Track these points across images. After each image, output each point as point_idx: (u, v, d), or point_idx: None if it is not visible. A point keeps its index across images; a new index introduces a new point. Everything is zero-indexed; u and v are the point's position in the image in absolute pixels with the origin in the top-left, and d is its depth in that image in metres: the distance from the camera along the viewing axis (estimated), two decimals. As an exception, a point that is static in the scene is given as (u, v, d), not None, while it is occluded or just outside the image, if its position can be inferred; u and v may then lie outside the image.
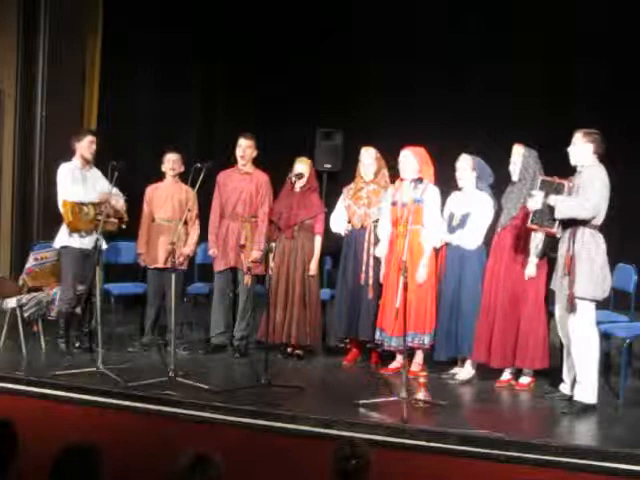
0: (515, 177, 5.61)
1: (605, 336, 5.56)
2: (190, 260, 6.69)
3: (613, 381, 5.63)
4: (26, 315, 6.27)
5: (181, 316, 6.40)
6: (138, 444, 4.68)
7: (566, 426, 4.93)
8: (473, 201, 5.79)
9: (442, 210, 5.92)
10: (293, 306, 6.21)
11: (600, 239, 5.06)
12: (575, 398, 5.14)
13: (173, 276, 5.69)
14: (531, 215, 5.16)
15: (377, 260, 6.06)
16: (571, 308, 5.02)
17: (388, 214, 5.99)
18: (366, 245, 6.12)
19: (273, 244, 6.13)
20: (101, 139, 6.49)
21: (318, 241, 6.30)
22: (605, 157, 5.14)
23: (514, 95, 7.54)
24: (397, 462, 4.32)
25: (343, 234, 6.27)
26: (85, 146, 6.22)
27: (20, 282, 6.53)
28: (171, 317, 5.76)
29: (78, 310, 6.28)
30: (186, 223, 6.41)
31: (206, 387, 5.30)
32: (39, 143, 7.63)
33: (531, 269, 5.44)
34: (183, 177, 6.44)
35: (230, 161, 6.48)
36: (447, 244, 5.83)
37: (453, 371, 5.89)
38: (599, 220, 5.04)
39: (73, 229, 6.09)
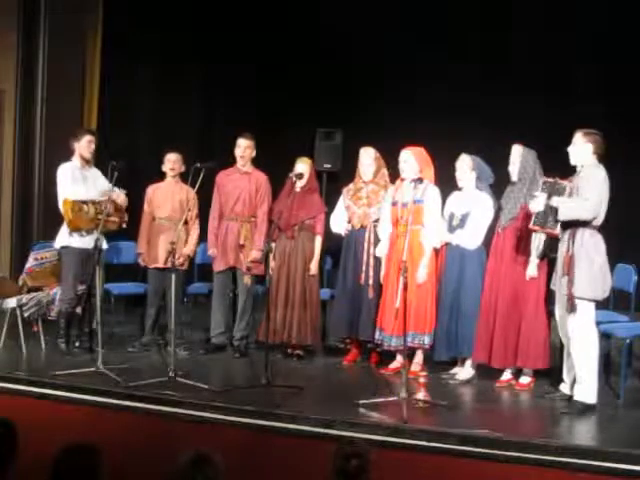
0: (514, 177, 5.62)
1: (605, 336, 5.57)
2: (190, 260, 6.69)
3: (613, 381, 5.62)
4: (26, 315, 6.27)
5: (181, 316, 6.40)
6: (138, 444, 4.67)
7: (566, 426, 4.93)
8: (473, 201, 5.79)
9: (442, 210, 5.92)
10: (293, 306, 6.21)
11: (600, 239, 5.06)
12: (575, 398, 5.14)
13: (173, 276, 5.69)
14: (533, 216, 5.16)
15: (377, 260, 6.06)
16: (570, 308, 5.02)
17: (388, 214, 6.00)
18: (366, 245, 6.12)
19: (273, 244, 6.14)
20: (101, 139, 6.49)
21: (318, 241, 6.30)
22: (605, 157, 5.13)
23: (514, 95, 7.54)
24: (397, 462, 4.31)
25: (343, 234, 6.27)
26: (84, 146, 6.22)
27: (20, 282, 6.54)
28: (171, 317, 5.76)
29: (78, 310, 6.28)
30: (186, 223, 6.42)
31: (206, 387, 5.30)
32: (39, 143, 7.64)
33: (532, 269, 5.44)
34: (183, 177, 6.44)
35: (229, 161, 6.48)
36: (447, 244, 5.83)
37: (453, 371, 5.89)
38: (599, 220, 5.04)
39: (73, 228, 6.09)
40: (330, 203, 6.48)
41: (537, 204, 5.10)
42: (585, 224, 5.00)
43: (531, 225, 5.20)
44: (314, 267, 6.26)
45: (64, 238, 6.16)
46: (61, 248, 6.22)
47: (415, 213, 5.73)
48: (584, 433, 4.86)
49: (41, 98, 7.63)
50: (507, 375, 5.69)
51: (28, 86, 7.60)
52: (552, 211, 5.03)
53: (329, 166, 8.02)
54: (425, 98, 7.85)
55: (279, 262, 6.24)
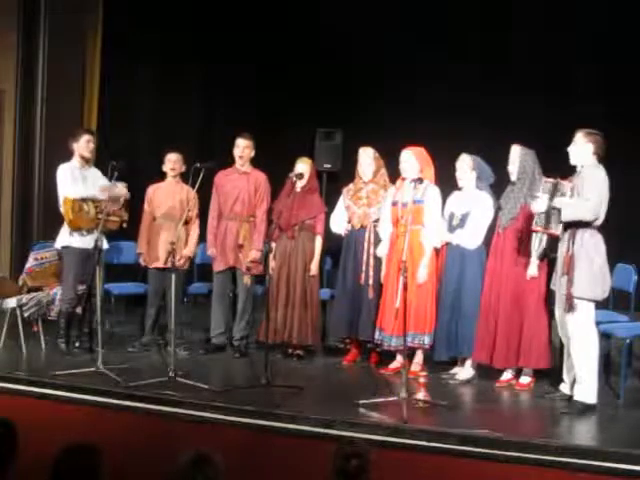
0: (514, 177, 5.62)
1: (605, 336, 5.56)
2: (190, 260, 6.69)
3: (613, 381, 5.62)
4: (26, 315, 6.27)
5: (181, 316, 6.40)
6: (138, 444, 4.67)
7: (566, 426, 4.93)
8: (473, 201, 5.79)
9: (442, 210, 5.92)
10: (294, 306, 6.21)
11: (600, 239, 5.06)
12: (575, 398, 5.14)
13: (173, 276, 5.69)
14: (535, 217, 5.15)
15: (377, 260, 6.06)
16: (568, 308, 5.02)
17: (389, 214, 6.00)
18: (366, 245, 6.12)
19: (273, 244, 6.15)
20: (101, 139, 6.49)
21: (319, 241, 6.30)
22: (605, 158, 5.13)
23: (514, 95, 7.54)
24: (397, 462, 4.31)
25: (343, 234, 6.27)
26: (83, 145, 6.23)
27: (20, 282, 6.54)
28: (171, 317, 5.76)
29: (78, 310, 6.28)
30: (186, 223, 6.42)
31: (206, 387, 5.30)
32: (39, 143, 7.64)
33: (533, 269, 5.44)
34: (184, 177, 6.44)
35: (228, 161, 6.48)
36: (447, 244, 5.83)
37: (453, 371, 5.89)
38: (599, 221, 5.04)
39: (74, 227, 6.09)
40: (330, 203, 6.48)
41: (539, 205, 5.10)
42: (586, 224, 5.00)
43: (534, 226, 5.19)
44: (314, 267, 6.26)
45: (65, 238, 6.16)
46: (62, 248, 6.23)
47: (415, 213, 5.74)
48: (584, 433, 4.86)
49: (41, 98, 7.63)
50: (507, 375, 5.69)
51: (28, 86, 7.60)
52: (554, 212, 5.03)
53: (329, 166, 8.02)
54: (425, 98, 7.85)
55: (279, 262, 6.24)
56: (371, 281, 6.06)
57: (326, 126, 8.11)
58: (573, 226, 5.02)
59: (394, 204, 5.96)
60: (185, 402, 5.04)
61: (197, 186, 5.95)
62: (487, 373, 5.76)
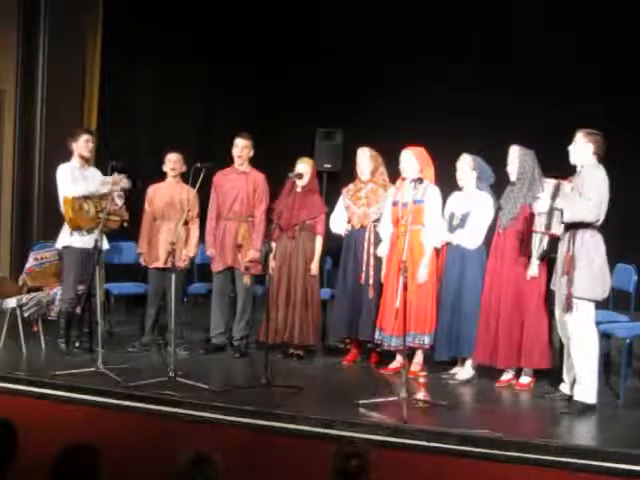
0: (513, 177, 5.62)
1: (605, 336, 5.56)
2: (190, 260, 6.68)
3: (613, 381, 5.62)
4: (26, 315, 6.27)
5: (181, 316, 6.40)
6: (138, 444, 4.67)
7: (566, 426, 4.93)
8: (473, 201, 5.79)
9: (443, 210, 5.92)
10: (295, 306, 6.21)
11: (599, 239, 5.06)
12: (575, 398, 5.14)
13: (173, 276, 5.69)
14: (537, 218, 5.14)
15: (378, 260, 6.06)
16: (567, 308, 5.02)
17: (389, 214, 6.00)
18: (366, 245, 6.12)
19: (273, 244, 6.15)
20: (101, 139, 6.49)
21: (319, 241, 6.30)
22: (605, 158, 5.13)
23: (514, 95, 7.54)
24: (397, 462, 4.31)
25: (343, 234, 6.27)
26: (82, 145, 6.23)
27: (20, 282, 6.54)
28: (171, 317, 5.76)
29: (78, 310, 6.28)
30: (186, 223, 6.42)
31: (206, 387, 5.30)
32: (39, 143, 7.64)
33: (533, 269, 5.44)
34: (184, 177, 6.44)
35: (227, 161, 6.48)
36: (448, 244, 5.83)
37: (453, 371, 5.89)
38: (599, 221, 5.04)
39: (74, 227, 6.09)
40: (330, 203, 6.47)
41: (541, 206, 5.09)
42: (586, 225, 4.99)
43: (536, 227, 5.18)
44: (315, 267, 6.26)
45: (65, 238, 6.17)
46: (63, 248, 6.23)
47: (415, 213, 5.73)
48: (584, 433, 4.86)
49: (41, 98, 7.63)
50: (508, 375, 5.69)
51: (28, 86, 7.60)
52: (556, 213, 5.02)
53: (329, 166, 8.02)
54: (425, 98, 7.86)
55: (280, 262, 6.24)
56: (371, 281, 6.06)
57: (326, 126, 8.11)
58: (573, 226, 5.02)
59: (394, 204, 5.96)
60: (185, 402, 5.03)
61: (197, 186, 5.95)
62: (487, 373, 5.76)
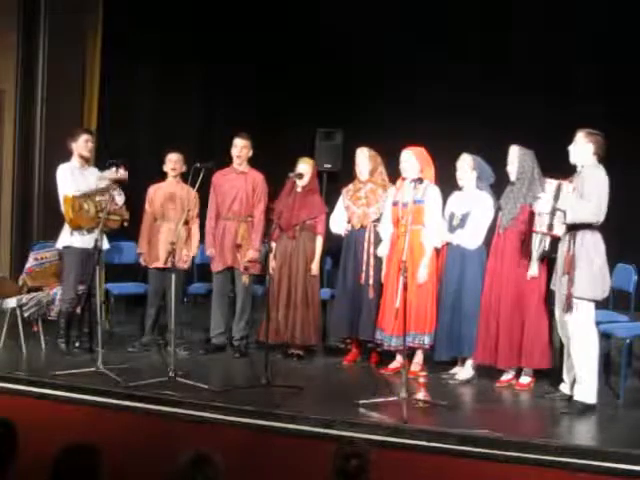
0: (513, 177, 5.62)
1: (605, 336, 5.56)
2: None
3: (613, 381, 5.62)
4: (26, 315, 6.27)
5: (181, 316, 6.40)
6: (138, 444, 4.67)
7: (566, 426, 4.93)
8: (473, 201, 5.79)
9: (443, 210, 5.92)
10: (296, 306, 6.20)
11: (599, 239, 5.06)
12: (575, 398, 5.14)
13: (173, 276, 5.69)
14: (539, 219, 5.14)
15: (378, 260, 6.06)
16: (567, 307, 5.02)
17: (389, 214, 6.00)
18: (366, 245, 6.12)
19: (273, 244, 6.15)
20: (101, 139, 6.48)
21: (319, 241, 6.30)
22: (605, 158, 5.13)
23: (514, 95, 7.54)
24: (397, 462, 4.31)
25: (343, 234, 6.27)
26: (81, 145, 6.23)
27: (20, 282, 6.54)
28: (171, 317, 5.76)
29: (78, 310, 6.28)
30: (187, 223, 6.42)
31: (206, 387, 5.30)
32: (39, 143, 7.64)
33: (534, 270, 5.44)
34: (184, 177, 6.44)
35: (226, 161, 6.48)
36: (448, 244, 5.83)
37: (453, 371, 5.89)
38: (599, 221, 5.04)
39: (74, 226, 6.09)
40: (330, 203, 6.48)
41: (543, 206, 5.09)
42: (587, 225, 4.99)
43: (538, 228, 5.17)
44: (315, 267, 6.26)
45: (66, 238, 6.17)
46: (63, 248, 6.23)
47: (415, 213, 5.73)
48: (584, 433, 4.86)
49: (41, 98, 7.62)
50: (508, 375, 5.69)
51: (28, 86, 7.60)
52: (558, 213, 5.01)
53: (329, 166, 8.03)
54: (425, 98, 7.85)
55: (280, 262, 6.24)
56: (371, 281, 6.06)
57: (326, 126, 8.11)
58: (574, 227, 5.02)
59: (394, 204, 5.96)
60: (185, 402, 5.03)
61: (197, 186, 5.95)
62: (487, 373, 5.76)
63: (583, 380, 5.07)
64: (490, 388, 5.65)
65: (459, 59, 7.70)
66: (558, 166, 5.26)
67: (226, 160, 6.46)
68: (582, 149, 5.11)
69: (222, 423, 4.87)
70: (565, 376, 5.35)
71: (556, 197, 5.04)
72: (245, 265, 6.27)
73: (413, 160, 5.92)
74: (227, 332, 6.49)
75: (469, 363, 5.79)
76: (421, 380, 5.37)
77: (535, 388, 5.61)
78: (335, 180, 7.70)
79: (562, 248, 5.14)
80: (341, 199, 6.32)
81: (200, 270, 7.26)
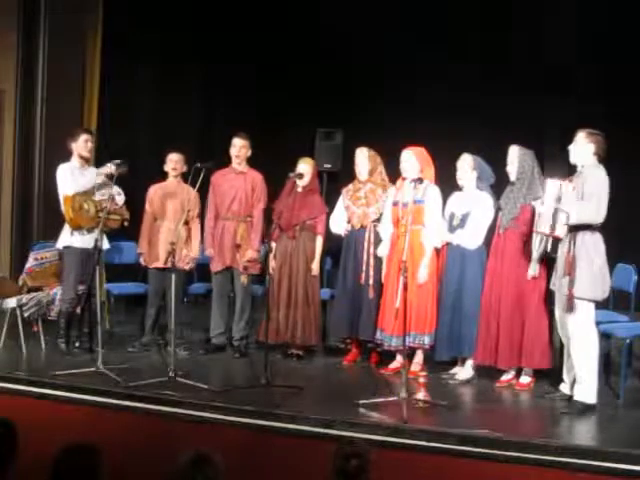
0: (513, 177, 5.62)
1: (605, 336, 5.56)
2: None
3: (613, 381, 5.62)
4: (26, 315, 6.27)
5: (181, 316, 6.40)
6: (138, 444, 4.67)
7: (566, 426, 4.92)
8: (473, 201, 5.79)
9: (443, 210, 5.92)
10: (296, 306, 6.20)
11: (599, 239, 5.06)
12: (575, 398, 5.14)
13: (173, 276, 5.69)
14: (540, 220, 5.13)
15: (378, 260, 6.06)
16: (569, 308, 5.02)
17: (389, 214, 6.00)
18: (366, 245, 6.12)
19: (273, 244, 6.15)
20: (101, 139, 6.48)
21: (319, 241, 6.29)
22: (605, 158, 5.13)
23: (514, 95, 7.54)
24: (397, 462, 4.31)
25: (343, 235, 6.27)
26: (81, 145, 6.23)
27: (20, 282, 6.54)
28: (171, 317, 5.76)
29: (78, 310, 6.28)
30: (187, 223, 6.42)
31: (206, 387, 5.30)
32: (39, 143, 7.64)
33: (534, 270, 5.44)
34: (184, 177, 6.44)
35: (226, 161, 6.48)
36: (448, 244, 5.83)
37: (453, 371, 5.89)
38: (600, 222, 5.04)
39: (74, 226, 6.09)
40: (330, 203, 6.48)
41: (545, 207, 5.08)
42: (588, 226, 4.99)
43: (540, 228, 5.15)
44: (315, 267, 6.26)
45: (66, 238, 6.17)
46: (63, 248, 6.23)
47: (415, 213, 5.73)
48: (584, 433, 4.86)
49: (41, 98, 7.62)
50: (508, 375, 5.69)
51: (28, 86, 7.60)
52: (560, 214, 5.01)
53: (329, 166, 8.02)
54: (425, 98, 7.86)
55: (280, 262, 6.24)
56: (371, 281, 6.06)
57: (326, 126, 8.11)
58: (574, 227, 5.01)
59: (395, 204, 5.96)
60: (185, 402, 5.03)
61: (197, 186, 5.95)
62: (487, 373, 5.76)
63: (583, 380, 5.07)
64: (490, 388, 5.65)
65: (459, 59, 7.71)
66: (558, 166, 5.26)
67: (226, 160, 6.46)
68: (582, 149, 5.11)
69: (222, 423, 4.87)
70: (565, 376, 5.35)
71: (558, 198, 5.03)
72: (244, 265, 6.27)
73: (413, 160, 5.92)
74: (227, 332, 6.49)
75: (469, 363, 5.79)
76: (421, 380, 5.38)
77: (535, 388, 5.61)
78: (335, 180, 7.70)
79: (562, 249, 5.13)
80: (341, 199, 6.32)
81: (200, 270, 7.25)
